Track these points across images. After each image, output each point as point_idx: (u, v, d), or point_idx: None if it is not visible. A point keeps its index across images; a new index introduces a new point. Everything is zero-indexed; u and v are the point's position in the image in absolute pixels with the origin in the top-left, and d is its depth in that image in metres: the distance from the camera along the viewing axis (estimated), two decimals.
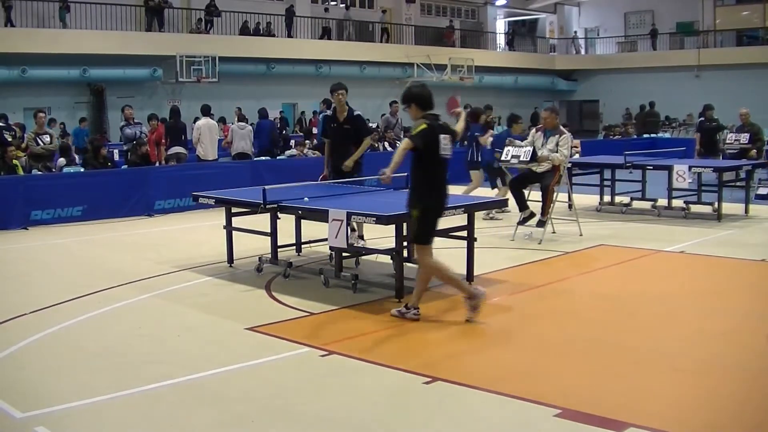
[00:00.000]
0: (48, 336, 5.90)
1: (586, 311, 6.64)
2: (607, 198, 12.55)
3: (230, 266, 8.27)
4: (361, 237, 8.65)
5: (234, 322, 6.19)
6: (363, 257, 8.11)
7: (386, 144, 17.23)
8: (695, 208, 11.49)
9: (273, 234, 7.92)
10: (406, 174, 8.49)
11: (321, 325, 6.09)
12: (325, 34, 29.51)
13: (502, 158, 9.78)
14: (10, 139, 12.89)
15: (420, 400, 4.56)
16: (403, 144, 6.20)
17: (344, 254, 7.61)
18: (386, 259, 7.19)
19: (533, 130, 10.27)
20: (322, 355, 5.33)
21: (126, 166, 14.13)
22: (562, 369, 5.06)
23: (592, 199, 12.41)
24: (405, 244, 7.23)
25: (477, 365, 5.23)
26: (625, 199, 12.33)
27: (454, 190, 11.06)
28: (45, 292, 7.28)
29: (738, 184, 11.72)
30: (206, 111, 15.18)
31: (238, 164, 14.52)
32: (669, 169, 11.15)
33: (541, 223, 9.63)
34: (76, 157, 15.11)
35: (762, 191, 13.27)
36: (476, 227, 7.44)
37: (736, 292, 7.22)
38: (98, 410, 4.45)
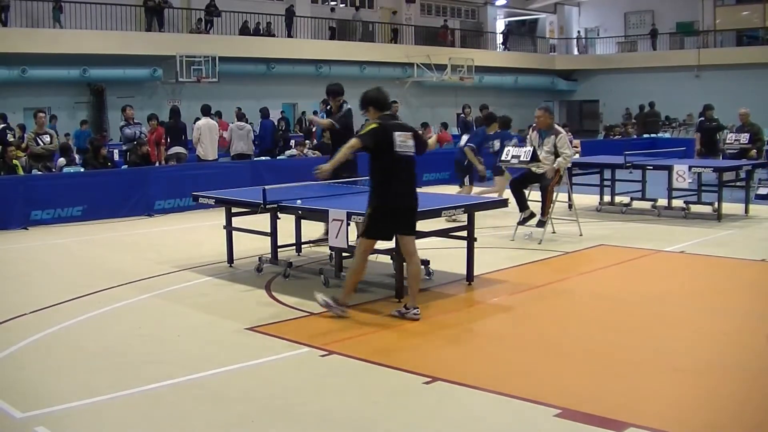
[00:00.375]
0: (48, 336, 5.90)
1: (586, 311, 6.64)
2: (607, 198, 12.55)
3: (230, 266, 8.27)
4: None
5: (234, 322, 6.18)
6: None
7: None
8: (695, 208, 11.49)
9: (273, 234, 7.92)
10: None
11: (321, 325, 6.09)
12: (333, 34, 29.54)
13: (502, 158, 9.78)
14: (11, 139, 12.90)
15: (420, 400, 4.56)
16: (350, 142, 6.17)
17: (344, 254, 7.61)
18: (386, 259, 7.19)
19: (530, 130, 10.28)
20: (322, 355, 5.33)
21: (126, 166, 14.13)
22: (562, 369, 5.06)
23: (592, 199, 12.41)
24: None
25: (477, 365, 5.23)
26: (625, 199, 12.33)
27: (453, 189, 11.11)
28: (45, 292, 7.28)
29: (738, 184, 11.72)
30: (206, 111, 15.19)
31: (238, 164, 14.52)
32: (669, 169, 11.15)
33: (541, 223, 9.63)
34: (77, 157, 15.11)
35: (762, 191, 13.27)
36: (476, 227, 7.43)
37: (736, 292, 7.21)
38: (98, 410, 4.45)
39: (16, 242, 10.28)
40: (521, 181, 9.86)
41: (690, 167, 11.03)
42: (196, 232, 10.81)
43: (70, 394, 4.63)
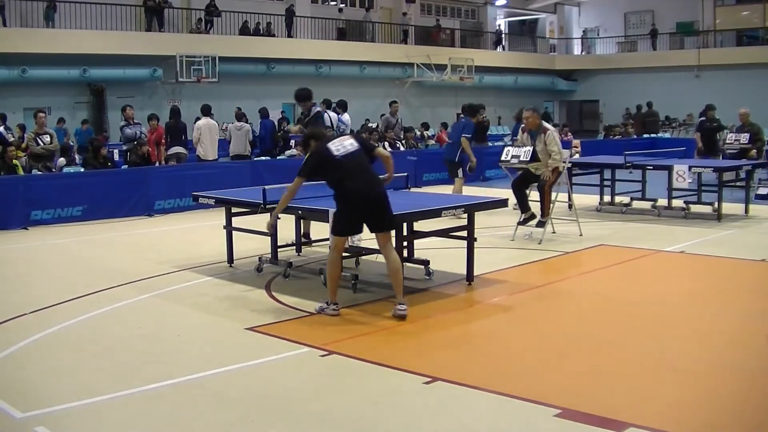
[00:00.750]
0: (48, 336, 5.90)
1: (586, 311, 6.63)
2: (607, 198, 12.55)
3: (230, 266, 8.27)
4: (307, 235, 8.91)
5: (234, 322, 6.19)
6: (363, 257, 8.11)
7: (386, 144, 17.20)
8: (695, 208, 11.49)
9: (273, 234, 7.92)
10: (406, 174, 8.53)
11: (321, 325, 6.09)
12: (340, 35, 29.58)
13: (502, 158, 9.77)
14: (11, 140, 12.91)
15: (420, 400, 4.56)
16: (294, 183, 6.36)
17: (344, 254, 7.59)
18: None
19: (520, 131, 10.28)
20: (322, 355, 5.33)
21: (126, 166, 14.13)
22: (562, 369, 5.06)
23: (592, 199, 12.41)
24: (405, 244, 7.24)
25: (477, 365, 5.23)
26: (625, 199, 12.33)
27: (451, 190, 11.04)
28: (45, 292, 7.28)
29: (738, 184, 11.71)
30: (206, 111, 15.19)
31: (238, 164, 14.52)
32: (669, 169, 11.15)
33: (540, 224, 9.62)
34: (77, 157, 15.11)
35: (762, 191, 13.27)
36: (476, 227, 7.43)
37: (736, 292, 7.21)
38: (98, 410, 4.45)
39: (16, 242, 10.28)
40: (522, 181, 9.85)
41: (690, 167, 11.03)
42: (196, 232, 10.81)
43: (70, 394, 4.63)
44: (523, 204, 9.78)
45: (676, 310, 6.51)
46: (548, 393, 4.53)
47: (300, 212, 7.47)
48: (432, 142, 20.75)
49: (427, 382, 4.75)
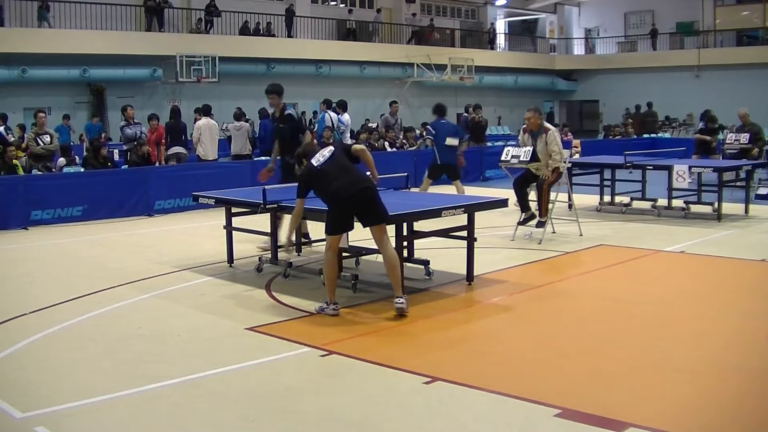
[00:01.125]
0: (48, 336, 5.90)
1: (586, 311, 6.63)
2: (607, 198, 12.55)
3: (230, 266, 8.27)
4: (306, 235, 8.94)
5: (234, 322, 6.19)
6: (363, 257, 8.11)
7: (386, 144, 17.21)
8: (695, 208, 11.49)
9: (273, 234, 7.93)
10: (406, 174, 8.53)
11: (321, 325, 6.09)
12: (350, 35, 29.62)
13: (502, 158, 9.77)
14: (11, 140, 12.91)
15: (420, 400, 4.56)
16: (296, 205, 6.53)
17: (344, 254, 7.61)
18: None
19: (521, 131, 10.27)
20: (322, 355, 5.33)
21: (126, 166, 14.13)
22: (562, 369, 5.06)
23: (592, 199, 12.41)
24: (405, 243, 7.24)
25: (477, 365, 5.23)
26: (625, 199, 12.33)
27: (453, 189, 11.12)
28: (45, 292, 7.29)
29: (738, 184, 11.72)
30: (206, 111, 15.18)
31: (238, 164, 14.52)
32: (669, 169, 11.15)
33: (540, 224, 9.62)
34: (77, 157, 15.12)
35: (762, 191, 13.27)
36: (476, 227, 7.43)
37: (736, 292, 7.21)
38: (98, 410, 4.45)
39: (16, 242, 10.28)
40: (523, 180, 9.84)
41: (690, 167, 11.03)
42: (196, 232, 10.81)
43: (69, 394, 4.63)
44: (523, 203, 9.78)
45: (676, 310, 6.51)
46: (548, 393, 4.53)
47: None
48: (465, 146, 20.72)
49: (427, 382, 4.76)
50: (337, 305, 6.33)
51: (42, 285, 7.74)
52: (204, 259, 8.66)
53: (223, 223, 8.32)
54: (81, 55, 22.02)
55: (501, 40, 37.35)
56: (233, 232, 8.33)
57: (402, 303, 6.18)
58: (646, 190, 12.33)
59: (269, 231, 7.93)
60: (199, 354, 5.48)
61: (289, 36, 27.67)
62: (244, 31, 26.66)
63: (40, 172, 12.82)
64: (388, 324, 6.11)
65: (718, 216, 10.97)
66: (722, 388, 4.72)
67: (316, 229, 8.73)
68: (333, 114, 16.23)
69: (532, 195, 9.93)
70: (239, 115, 16.28)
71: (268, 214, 7.62)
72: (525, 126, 9.97)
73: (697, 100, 29.91)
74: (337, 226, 6.35)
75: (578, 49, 38.34)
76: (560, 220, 10.25)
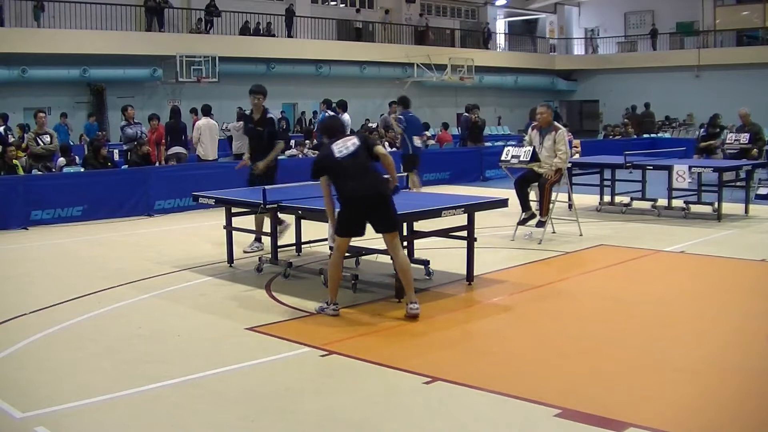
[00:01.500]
0: (48, 336, 5.90)
1: (586, 311, 6.63)
2: (607, 198, 12.55)
3: (230, 266, 8.28)
4: (281, 221, 8.77)
5: (234, 322, 6.19)
6: (363, 257, 8.11)
7: (386, 144, 17.20)
8: (695, 208, 11.49)
9: (273, 234, 7.93)
10: (406, 174, 8.52)
11: (321, 325, 6.09)
12: (358, 35, 29.62)
13: (502, 158, 9.77)
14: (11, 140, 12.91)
15: (420, 400, 4.56)
16: (321, 185, 6.39)
17: (344, 254, 7.59)
18: (386, 259, 7.18)
19: (530, 128, 10.25)
20: (322, 355, 5.33)
21: (126, 166, 14.13)
22: (562, 369, 5.06)
23: (592, 199, 12.41)
24: (405, 243, 7.23)
25: (477, 365, 5.23)
26: (625, 199, 12.33)
27: (453, 190, 11.13)
28: (45, 292, 7.28)
29: (738, 184, 11.72)
30: (206, 111, 15.19)
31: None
32: (669, 169, 11.14)
33: (540, 223, 9.62)
34: (76, 157, 15.11)
35: (762, 191, 13.27)
36: (476, 227, 7.43)
37: (736, 292, 7.21)
38: (98, 410, 4.45)
39: (16, 242, 10.28)
40: (524, 180, 9.83)
41: (690, 167, 11.02)
42: (196, 232, 10.81)
43: (70, 394, 4.63)
44: (524, 203, 9.78)
45: (676, 310, 6.51)
46: (548, 393, 4.53)
47: (300, 212, 7.48)
48: (432, 142, 20.77)
49: (427, 382, 4.76)
50: (337, 305, 6.33)
51: (42, 285, 7.74)
52: (204, 259, 8.66)
53: (223, 223, 8.32)
54: (81, 55, 22.03)
55: (501, 40, 37.35)
56: (233, 232, 8.33)
57: (416, 309, 6.16)
58: (646, 190, 12.33)
59: (269, 231, 7.92)
60: (199, 354, 5.48)
61: (289, 36, 27.68)
62: (244, 31, 26.67)
63: (40, 172, 12.82)
64: (388, 324, 6.11)
65: (718, 216, 10.97)
66: (722, 388, 4.72)
67: (316, 229, 8.75)
68: (333, 114, 16.23)
69: (533, 195, 9.93)
70: (241, 115, 16.27)
71: (268, 214, 7.61)
72: (535, 123, 9.95)
73: (697, 100, 29.94)
74: (348, 229, 6.26)
75: (578, 49, 38.34)
76: (560, 220, 10.25)
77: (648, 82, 31.93)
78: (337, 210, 6.35)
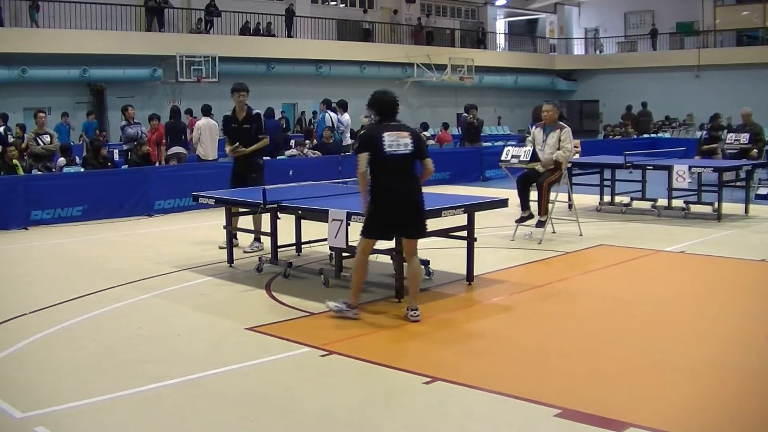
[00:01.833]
0: (48, 336, 5.90)
1: (586, 311, 6.63)
2: (607, 198, 12.55)
3: (230, 266, 8.28)
4: (258, 240, 8.91)
5: (234, 322, 6.19)
6: None
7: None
8: (695, 208, 11.49)
9: (273, 234, 7.92)
10: None
11: (321, 325, 6.09)
12: (366, 36, 29.62)
13: (502, 158, 9.76)
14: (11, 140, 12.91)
15: (420, 400, 4.56)
16: (358, 162, 6.11)
17: (344, 254, 7.61)
18: (386, 259, 7.19)
19: (533, 127, 10.24)
20: (322, 355, 5.33)
21: (126, 166, 14.13)
22: (562, 369, 5.06)
23: (592, 199, 12.41)
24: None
25: (477, 365, 5.23)
26: (625, 199, 12.33)
27: (453, 190, 11.11)
28: (45, 292, 7.28)
29: (738, 184, 11.72)
30: (207, 111, 15.18)
31: None
32: (669, 169, 11.14)
33: (540, 223, 9.62)
34: (76, 157, 15.12)
35: (762, 191, 13.28)
36: (476, 227, 7.43)
37: (736, 292, 7.21)
38: (98, 410, 4.45)
39: (16, 242, 10.28)
40: (526, 179, 9.81)
41: (690, 167, 11.02)
42: (196, 232, 10.81)
43: (70, 394, 4.63)
44: (524, 202, 9.78)
45: (676, 310, 6.51)
46: (548, 393, 4.53)
47: (300, 212, 7.48)
48: (432, 142, 20.78)
49: (427, 382, 4.75)
50: (357, 310, 6.22)
51: (42, 285, 7.73)
52: (204, 259, 8.66)
53: (223, 223, 8.31)
54: (81, 55, 22.03)
55: (501, 40, 37.35)
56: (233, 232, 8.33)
57: (417, 316, 6.12)
58: (646, 190, 12.33)
59: (269, 231, 7.92)
60: (199, 354, 5.47)
61: (289, 36, 27.68)
62: (244, 31, 26.67)
63: (40, 172, 12.82)
64: (388, 324, 6.11)
65: (718, 216, 10.97)
66: (722, 388, 4.72)
67: (317, 229, 8.75)
68: (333, 114, 16.24)
69: (533, 195, 9.93)
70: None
71: (268, 214, 7.61)
72: (542, 122, 9.90)
73: (697, 100, 29.94)
74: (376, 231, 6.14)
75: (578, 49, 38.34)
76: (560, 220, 10.25)
77: (648, 82, 31.92)
78: (370, 207, 6.11)
